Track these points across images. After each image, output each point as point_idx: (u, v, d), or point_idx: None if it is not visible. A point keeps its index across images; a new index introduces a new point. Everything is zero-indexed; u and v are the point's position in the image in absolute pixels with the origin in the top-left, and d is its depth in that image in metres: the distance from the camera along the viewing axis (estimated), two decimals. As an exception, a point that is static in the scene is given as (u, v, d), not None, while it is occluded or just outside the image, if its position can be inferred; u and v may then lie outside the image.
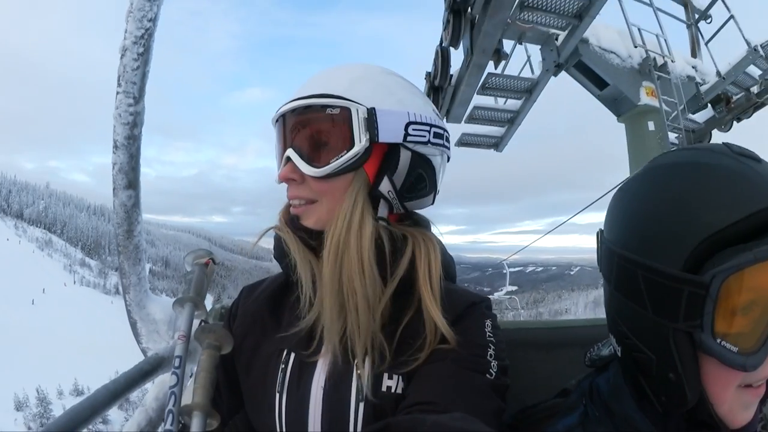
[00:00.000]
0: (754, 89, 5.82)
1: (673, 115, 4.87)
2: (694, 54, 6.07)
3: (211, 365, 0.70)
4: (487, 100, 5.61)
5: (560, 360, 1.22)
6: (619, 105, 4.96)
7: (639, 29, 4.89)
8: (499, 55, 4.56)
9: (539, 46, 4.85)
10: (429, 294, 0.79)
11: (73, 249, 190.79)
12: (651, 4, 5.19)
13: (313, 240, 0.81)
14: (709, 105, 6.20)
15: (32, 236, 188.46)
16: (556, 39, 4.59)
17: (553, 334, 1.31)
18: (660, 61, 4.91)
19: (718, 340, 0.55)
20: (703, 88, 5.58)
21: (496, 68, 4.86)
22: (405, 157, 0.81)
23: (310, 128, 0.80)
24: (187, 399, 0.65)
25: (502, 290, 19.68)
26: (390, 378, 0.77)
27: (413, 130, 0.80)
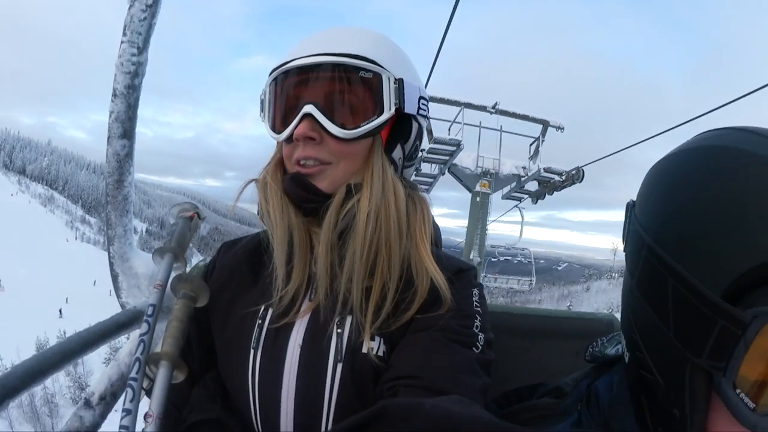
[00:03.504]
0: (563, 177, 11.52)
1: (495, 193, 10.68)
2: (534, 158, 11.75)
3: (184, 315, 0.68)
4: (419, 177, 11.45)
5: (542, 349, 1.23)
6: (469, 189, 10.75)
7: (483, 157, 10.58)
8: (419, 170, 10.36)
9: (436, 165, 10.66)
10: (424, 247, 0.80)
11: (74, 206, 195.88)
12: (500, 143, 10.85)
13: (315, 202, 0.80)
14: (537, 183, 11.99)
15: (35, 192, 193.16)
16: (443, 163, 10.32)
17: (538, 322, 1.29)
18: (493, 170, 10.63)
19: (737, 391, 0.45)
20: (523, 179, 11.28)
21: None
22: (414, 128, 0.86)
23: (341, 88, 0.79)
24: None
25: None
26: (372, 340, 0.75)
27: (422, 104, 0.85)
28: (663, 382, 0.53)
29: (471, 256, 10.25)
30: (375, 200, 0.77)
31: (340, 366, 0.74)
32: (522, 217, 11.53)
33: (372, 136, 0.80)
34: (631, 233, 0.61)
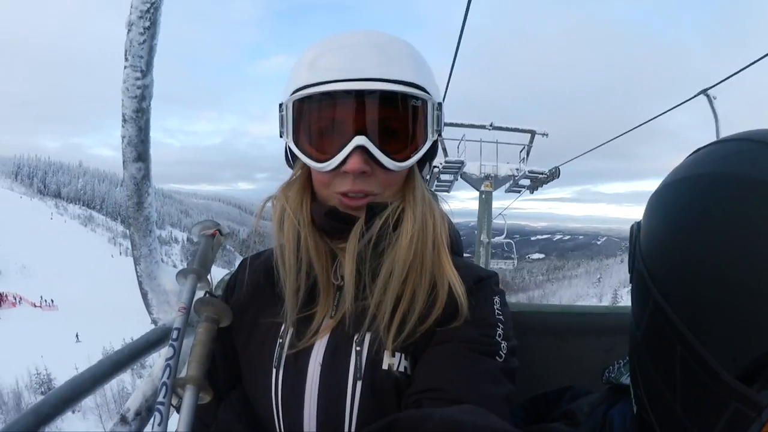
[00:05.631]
0: (545, 175, 15.16)
1: (496, 189, 14.48)
2: (525, 161, 15.43)
3: (207, 338, 0.70)
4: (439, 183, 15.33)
5: (573, 348, 1.20)
6: (477, 189, 14.52)
7: (484, 164, 14.34)
8: (439, 177, 14.26)
9: (450, 175, 14.49)
10: (445, 255, 0.80)
11: (114, 223, 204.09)
12: (496, 152, 14.62)
13: (348, 231, 0.79)
14: (529, 180, 15.68)
15: (73, 213, 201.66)
16: (455, 173, 14.13)
17: (568, 320, 1.28)
18: (492, 174, 14.41)
19: None
20: (516, 178, 15.00)
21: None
22: (436, 143, 0.84)
23: (391, 117, 0.76)
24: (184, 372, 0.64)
25: None
26: (392, 356, 0.76)
27: (443, 119, 0.82)
28: None
29: (482, 237, 14.10)
30: (419, 224, 0.77)
31: (359, 384, 0.75)
32: (505, 221, 15.07)
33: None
34: (636, 272, 0.53)
